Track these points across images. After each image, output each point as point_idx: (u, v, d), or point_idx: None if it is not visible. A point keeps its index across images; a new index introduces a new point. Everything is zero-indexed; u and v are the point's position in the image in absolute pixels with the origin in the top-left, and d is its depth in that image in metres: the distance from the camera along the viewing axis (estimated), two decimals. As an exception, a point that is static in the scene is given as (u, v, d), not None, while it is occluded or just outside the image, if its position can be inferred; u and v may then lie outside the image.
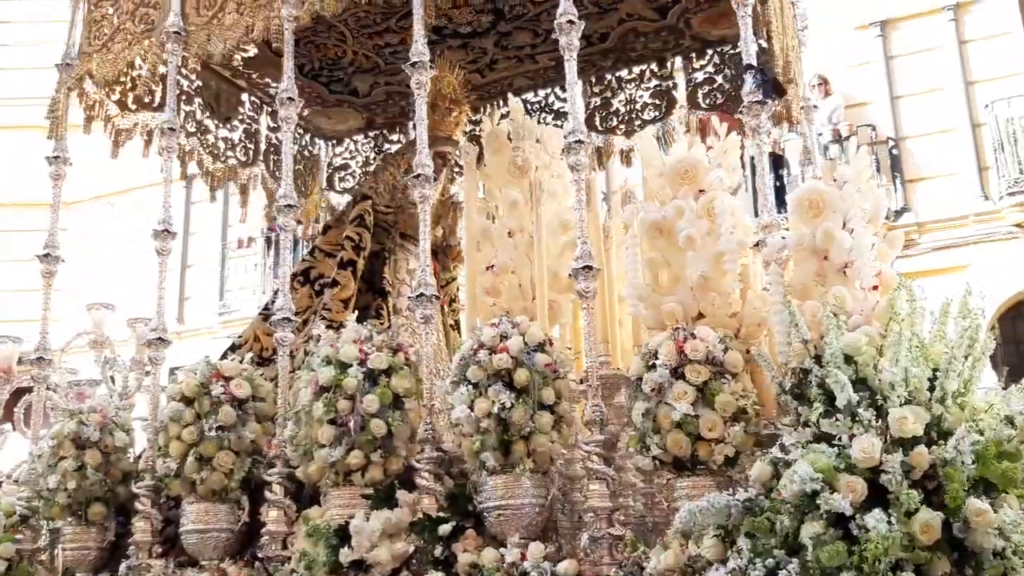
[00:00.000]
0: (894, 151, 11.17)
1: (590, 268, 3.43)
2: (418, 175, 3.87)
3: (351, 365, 3.64)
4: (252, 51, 5.70)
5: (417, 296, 3.76)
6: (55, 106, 4.90)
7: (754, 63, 3.39)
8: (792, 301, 2.89)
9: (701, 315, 3.31)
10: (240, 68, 5.94)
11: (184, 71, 5.60)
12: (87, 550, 4.12)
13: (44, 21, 15.82)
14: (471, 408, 3.37)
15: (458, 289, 5.74)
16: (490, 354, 3.41)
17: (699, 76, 5.95)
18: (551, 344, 3.49)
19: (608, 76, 6.17)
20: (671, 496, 3.21)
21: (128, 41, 4.78)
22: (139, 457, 4.27)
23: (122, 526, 4.22)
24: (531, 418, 3.32)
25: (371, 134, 6.75)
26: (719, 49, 5.85)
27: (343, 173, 6.75)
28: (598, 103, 6.14)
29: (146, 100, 5.50)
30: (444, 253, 5.39)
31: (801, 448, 2.72)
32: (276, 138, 6.48)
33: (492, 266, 4.02)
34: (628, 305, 3.41)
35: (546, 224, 3.92)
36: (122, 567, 3.98)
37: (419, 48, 4.00)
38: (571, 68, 3.75)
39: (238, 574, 3.70)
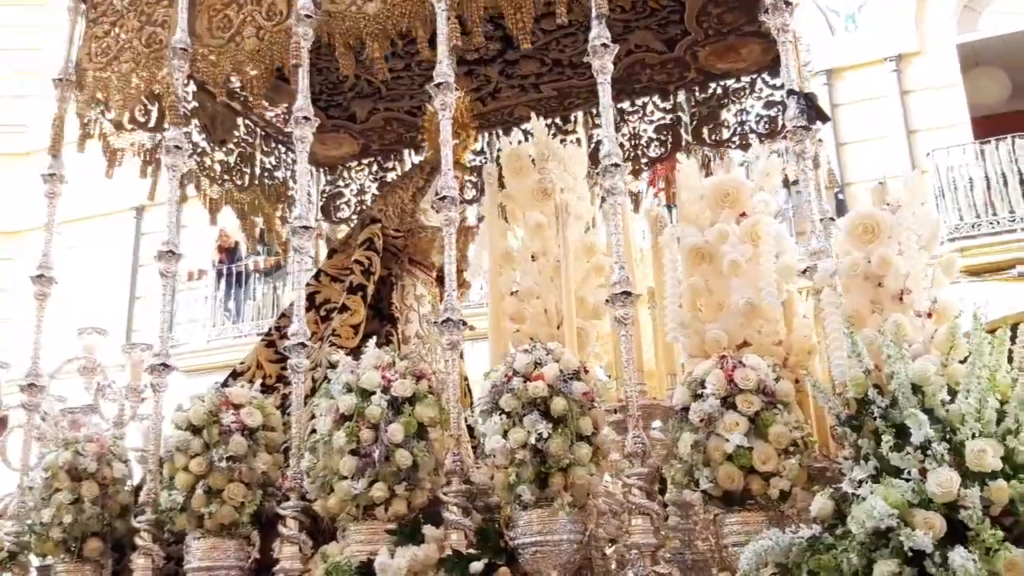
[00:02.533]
0: (839, 195, 11.34)
1: (628, 294, 3.32)
2: (443, 196, 3.74)
3: (374, 392, 3.47)
4: (253, 72, 5.58)
5: (443, 321, 3.61)
6: (57, 123, 4.69)
7: (796, 88, 3.32)
8: (857, 330, 2.78)
9: (746, 343, 3.20)
10: (237, 90, 5.79)
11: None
12: (81, 588, 3.86)
13: (2, 49, 15.58)
14: (505, 438, 3.21)
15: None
16: (524, 382, 3.26)
17: (703, 111, 5.94)
18: (586, 372, 3.36)
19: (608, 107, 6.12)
20: (719, 532, 3.07)
21: (136, 61, 4.61)
22: (137, 489, 4.03)
23: (117, 563, 3.97)
24: (569, 449, 3.17)
25: (364, 161, 6.65)
26: (723, 83, 5.85)
27: (338, 202, 6.62)
28: (599, 137, 6.09)
29: (141, 119, 5.32)
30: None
31: (870, 483, 2.61)
32: (270, 163, 6.38)
33: (516, 291, 3.88)
34: (668, 332, 3.28)
35: (571, 248, 3.80)
36: (122, 607, 3.73)
37: (444, 69, 3.90)
38: (605, 91, 3.67)
39: (250, 615, 3.47)
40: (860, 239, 2.97)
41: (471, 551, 3.29)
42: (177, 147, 4.37)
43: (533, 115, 4.28)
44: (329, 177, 6.75)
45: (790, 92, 3.30)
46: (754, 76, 5.71)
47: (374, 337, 4.63)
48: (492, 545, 3.29)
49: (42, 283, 4.56)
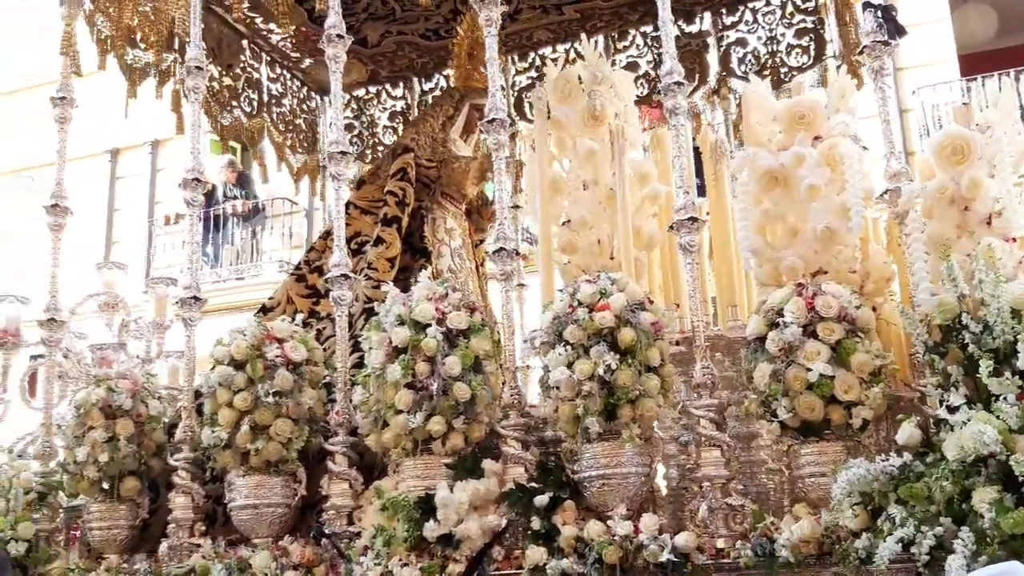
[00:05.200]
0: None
1: (694, 219, 3.19)
2: (492, 119, 3.56)
3: (428, 325, 3.34)
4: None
5: (497, 251, 3.47)
6: (66, 41, 4.42)
7: (872, 1, 3.16)
8: (950, 253, 2.68)
9: (821, 271, 3.09)
10: (244, 12, 5.52)
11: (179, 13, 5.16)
12: (117, 529, 3.74)
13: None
14: (570, 370, 3.10)
15: (484, 252, 5.46)
16: (589, 312, 3.14)
17: (731, 36, 5.75)
18: (651, 302, 3.24)
19: (632, 32, 5.92)
20: (794, 463, 3.00)
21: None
22: (170, 427, 3.88)
23: (152, 502, 3.85)
24: (638, 381, 3.06)
25: (372, 89, 6.40)
26: (751, 6, 5.65)
27: (349, 134, 6.39)
28: (624, 63, 5.89)
29: (152, 39, 5.04)
30: (479, 213, 5.08)
31: (967, 409, 2.54)
32: (276, 90, 6.13)
33: (568, 221, 3.73)
34: (742, 260, 3.17)
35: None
36: (163, 546, 3.61)
37: (490, -19, 3.68)
38: (664, 5, 3.48)
39: (302, 552, 3.37)
40: (948, 161, 2.86)
41: (533, 484, 3.20)
42: (198, 68, 4.13)
43: (583, 36, 4.09)
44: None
45: (866, 5, 3.14)
46: (786, -1, 5.52)
47: (406, 271, 4.52)
48: (555, 479, 3.20)
49: (56, 213, 4.34)
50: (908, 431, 2.69)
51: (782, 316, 2.92)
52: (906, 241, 2.89)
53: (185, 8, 4.51)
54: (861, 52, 3.14)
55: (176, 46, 5.17)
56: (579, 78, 3.83)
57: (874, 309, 3.00)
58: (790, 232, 3.13)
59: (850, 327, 2.88)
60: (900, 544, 2.47)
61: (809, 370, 2.83)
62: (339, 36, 3.92)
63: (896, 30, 3.10)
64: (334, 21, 3.93)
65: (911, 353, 2.92)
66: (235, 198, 12.82)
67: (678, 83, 3.31)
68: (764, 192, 3.16)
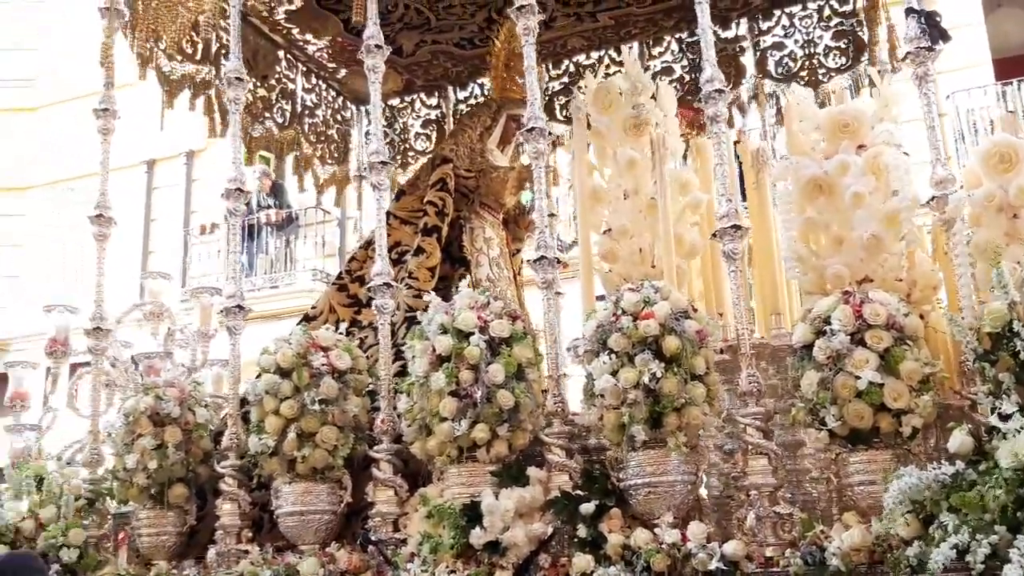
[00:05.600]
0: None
1: (737, 227, 3.20)
2: (531, 128, 3.59)
3: (471, 333, 3.37)
4: (298, 2, 5.39)
5: (538, 260, 3.49)
6: (105, 53, 4.50)
7: (915, 6, 3.16)
8: (999, 261, 2.67)
9: (867, 279, 3.09)
10: (280, 23, 5.60)
11: (224, 23, 5.24)
12: (165, 535, 3.80)
13: (7, 1, 15.14)
14: (615, 378, 3.12)
15: (522, 262, 5.49)
16: (634, 320, 3.15)
17: (767, 40, 5.74)
18: (695, 310, 3.25)
19: (667, 38, 5.93)
20: (842, 471, 2.99)
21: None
22: (217, 435, 3.94)
23: (199, 509, 3.90)
24: (683, 389, 3.07)
25: (407, 99, 6.45)
26: (787, 10, 5.64)
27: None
28: (658, 68, 5.90)
29: (188, 51, 5.13)
30: (516, 222, 5.11)
31: (1020, 417, 2.52)
32: (311, 100, 6.20)
33: (609, 230, 3.75)
34: (785, 267, 3.17)
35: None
36: (211, 553, 3.66)
37: (528, -8, 3.72)
38: (704, 12, 3.49)
39: (348, 559, 3.40)
40: (995, 169, 2.85)
41: (578, 492, 3.22)
42: (238, 79, 4.20)
43: (624, 48, 4.09)
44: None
45: (909, 10, 3.14)
46: (822, 3, 5.50)
47: (445, 280, 4.55)
48: (600, 487, 3.21)
49: (101, 223, 4.42)
50: (960, 439, 2.68)
51: (829, 324, 2.92)
52: (953, 249, 2.88)
53: (216, 16, 4.58)
54: (905, 58, 3.13)
55: (213, 58, 5.27)
56: (619, 89, 3.85)
57: (921, 317, 2.98)
58: (835, 240, 3.13)
59: (898, 335, 2.88)
60: (955, 551, 2.45)
61: (858, 378, 2.83)
62: (377, 46, 3.97)
63: (939, 35, 3.09)
64: (372, 32, 3.98)
65: (960, 361, 2.91)
66: (269, 207, 12.95)
67: (719, 90, 3.32)
68: (808, 200, 3.16)
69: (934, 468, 2.61)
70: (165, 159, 13.99)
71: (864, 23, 5.32)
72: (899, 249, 3.04)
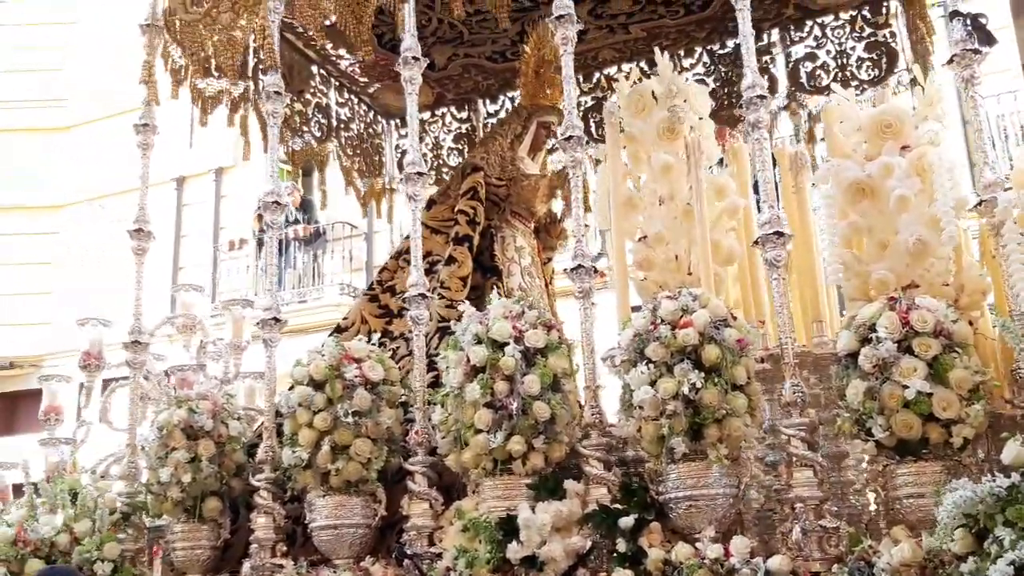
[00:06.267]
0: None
1: (780, 234, 3.12)
2: (569, 137, 3.55)
3: (506, 343, 3.32)
4: (333, 18, 5.41)
5: (575, 268, 3.44)
6: (147, 70, 4.54)
7: (960, 10, 3.08)
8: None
9: (913, 284, 3.00)
10: (313, 39, 5.62)
11: (257, 40, 5.27)
12: (200, 549, 3.78)
13: (38, 24, 15.42)
14: (653, 388, 3.05)
15: (553, 271, 5.44)
16: (672, 329, 3.09)
17: (799, 51, 5.66)
18: (734, 318, 3.18)
19: (699, 49, 5.87)
20: (890, 484, 2.90)
21: (233, 8, 4.42)
22: (250, 447, 3.91)
23: (232, 522, 3.87)
24: (724, 399, 3.00)
25: (438, 112, 6.44)
26: (819, 20, 5.56)
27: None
28: (689, 80, 5.83)
29: (225, 67, 5.14)
30: (547, 231, 5.06)
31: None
32: (344, 115, 6.21)
33: (644, 236, 3.69)
34: (828, 274, 3.09)
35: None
36: (245, 567, 3.63)
37: (564, 0, 3.69)
38: (744, 18, 3.44)
39: (384, 573, 3.36)
40: (1046, 169, 2.75)
41: (617, 506, 3.15)
42: (277, 92, 4.20)
43: (657, 51, 4.04)
44: (402, 131, 6.57)
45: (954, 13, 3.07)
46: (854, 13, 5.42)
47: (477, 290, 4.51)
48: (639, 500, 3.14)
49: (140, 237, 4.44)
50: (1014, 450, 2.58)
51: (875, 331, 2.84)
52: (1003, 252, 2.79)
53: (254, 31, 4.61)
54: (951, 61, 3.05)
55: (250, 73, 5.29)
56: (652, 93, 3.79)
57: (970, 323, 2.89)
58: (879, 245, 3.04)
59: (947, 342, 2.79)
60: (1012, 567, 2.36)
61: (905, 387, 2.74)
62: (415, 59, 3.95)
63: (986, 38, 3.02)
64: (410, 44, 3.96)
65: (1012, 369, 2.81)
66: (297, 222, 13.02)
67: (761, 96, 3.26)
68: (850, 204, 3.08)
69: (987, 480, 2.51)
70: (195, 176, 14.12)
71: (896, 34, 5.24)
72: (946, 253, 2.95)
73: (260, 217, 14.21)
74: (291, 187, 12.58)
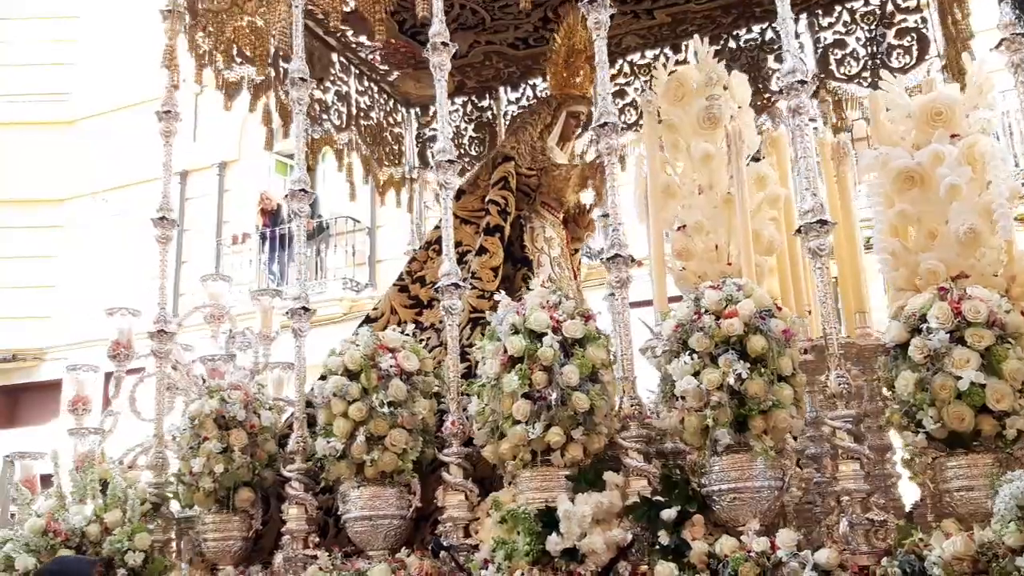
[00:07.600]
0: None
1: (824, 222, 3.07)
2: (603, 123, 3.49)
3: (544, 334, 3.27)
4: (353, 4, 5.35)
5: (611, 258, 3.39)
6: (168, 55, 4.49)
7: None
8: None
9: (963, 274, 2.94)
10: (333, 26, 5.56)
11: (278, 27, 5.21)
12: (231, 540, 3.74)
13: (42, 17, 15.37)
14: (697, 379, 3.00)
15: (580, 261, 5.40)
16: (716, 320, 3.04)
17: (828, 37, 5.58)
18: (779, 308, 3.13)
19: (725, 36, 5.80)
20: (939, 476, 2.85)
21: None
22: (281, 438, 3.88)
23: (264, 513, 3.84)
24: (770, 390, 2.95)
25: (459, 100, 6.39)
26: (848, 6, 5.48)
27: (434, 145, 6.38)
28: (721, 67, 5.77)
29: (249, 53, 5.11)
30: (575, 221, 5.01)
31: None
32: (364, 103, 6.16)
33: (683, 226, 3.64)
34: (876, 263, 3.04)
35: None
36: (278, 558, 3.60)
37: (600, -16, 3.63)
38: (784, 2, 3.37)
39: (420, 565, 3.32)
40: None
41: (658, 498, 3.10)
42: (302, 79, 4.15)
43: (696, 37, 3.98)
44: (423, 120, 6.52)
45: (1004, -4, 2.99)
46: (885, -2, 5.34)
47: (507, 280, 4.47)
48: (681, 492, 3.10)
49: (163, 226, 4.40)
50: (1071, 443, 2.53)
51: (925, 322, 2.79)
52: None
53: (285, 22, 4.56)
54: (999, 45, 2.99)
55: (271, 60, 5.25)
56: (692, 81, 3.74)
57: (1022, 314, 2.84)
58: (928, 234, 2.99)
59: (1000, 333, 2.74)
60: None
61: (958, 378, 2.69)
62: (444, 44, 3.89)
63: (1037, 21, 2.95)
64: (438, 29, 3.91)
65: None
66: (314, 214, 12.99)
67: (801, 81, 3.20)
68: (898, 193, 3.02)
69: (1038, 473, 2.47)
70: (198, 170, 14.07)
71: (927, 20, 5.16)
72: (997, 243, 2.90)
73: (263, 211, 14.33)
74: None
